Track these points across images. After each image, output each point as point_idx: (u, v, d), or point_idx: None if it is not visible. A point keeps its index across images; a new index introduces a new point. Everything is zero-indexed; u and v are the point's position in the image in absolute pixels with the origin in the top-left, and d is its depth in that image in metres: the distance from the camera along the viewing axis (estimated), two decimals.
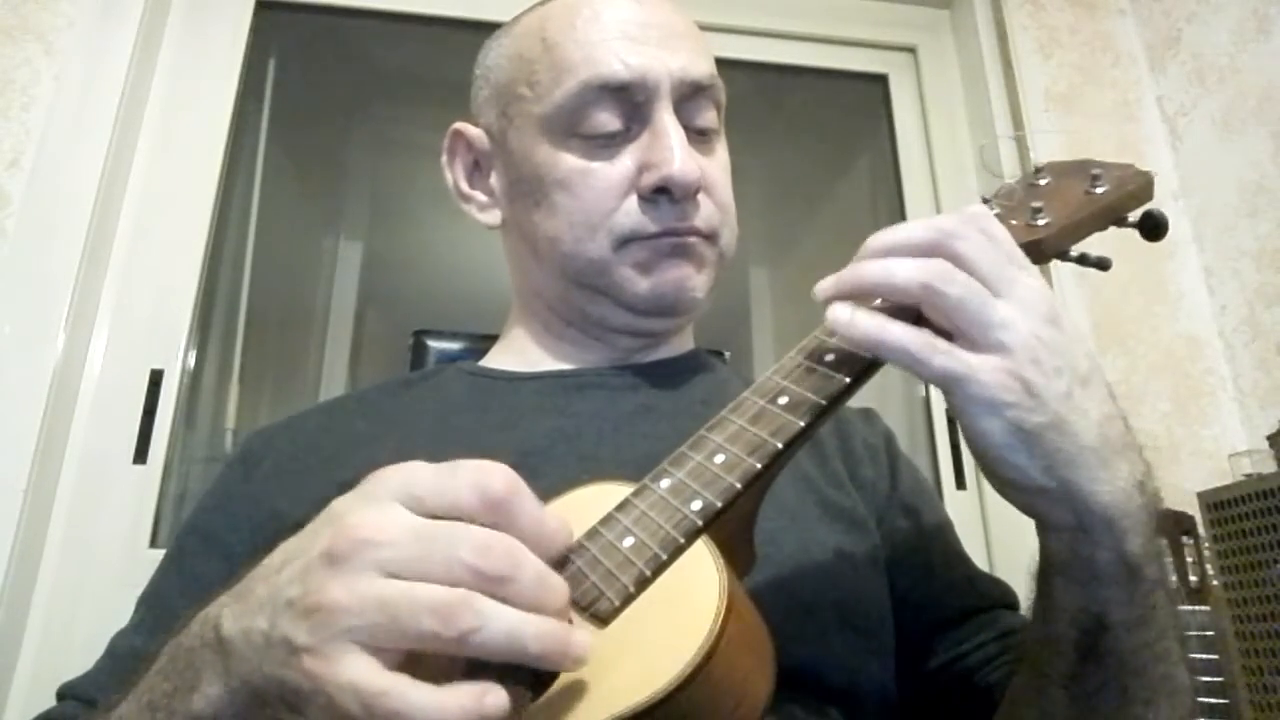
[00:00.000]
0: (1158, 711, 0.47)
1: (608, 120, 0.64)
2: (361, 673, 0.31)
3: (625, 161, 0.65)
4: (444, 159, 0.74)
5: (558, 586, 0.34)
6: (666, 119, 0.64)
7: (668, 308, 0.67)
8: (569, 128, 0.65)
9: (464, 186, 0.74)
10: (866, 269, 0.45)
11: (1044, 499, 0.43)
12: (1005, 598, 0.66)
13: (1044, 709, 0.49)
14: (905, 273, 0.43)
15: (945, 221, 0.45)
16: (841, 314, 0.43)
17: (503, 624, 0.32)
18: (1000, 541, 1.37)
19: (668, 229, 0.64)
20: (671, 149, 0.63)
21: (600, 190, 0.64)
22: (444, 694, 0.31)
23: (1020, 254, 0.45)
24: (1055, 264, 0.83)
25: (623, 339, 0.70)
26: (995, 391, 0.40)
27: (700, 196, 0.66)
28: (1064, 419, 0.41)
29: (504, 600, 0.33)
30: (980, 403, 0.41)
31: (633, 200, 0.64)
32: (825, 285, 0.46)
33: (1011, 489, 0.44)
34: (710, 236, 0.67)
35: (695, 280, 0.66)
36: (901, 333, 0.42)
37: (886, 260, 0.44)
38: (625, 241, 0.64)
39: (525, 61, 0.68)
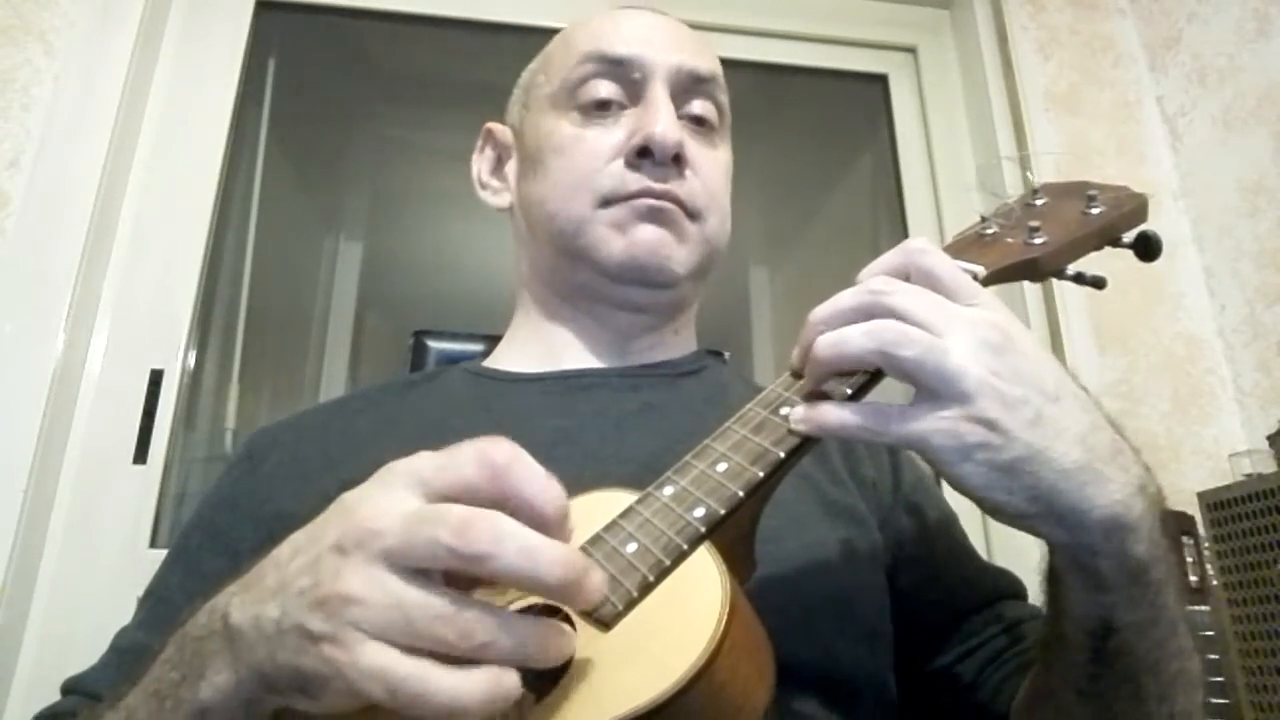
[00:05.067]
0: (1173, 705, 0.47)
1: (604, 88, 0.69)
2: (386, 659, 0.32)
3: (618, 132, 0.68)
4: (474, 155, 0.81)
5: (547, 558, 0.33)
6: (659, 92, 0.68)
7: (640, 271, 0.67)
8: (570, 99, 0.70)
9: (484, 177, 0.80)
10: (819, 348, 0.44)
11: (1036, 522, 0.43)
12: (1013, 588, 0.67)
13: (1060, 707, 0.50)
14: (858, 343, 0.43)
15: (873, 282, 0.45)
16: (793, 414, 0.44)
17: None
18: (1000, 540, 1.37)
19: (644, 189, 0.66)
20: (656, 115, 0.67)
21: (589, 154, 0.68)
22: (463, 676, 0.32)
23: (964, 281, 0.45)
24: None
25: (614, 317, 0.71)
26: (959, 439, 0.40)
27: (687, 173, 0.68)
28: (1037, 448, 0.41)
29: (490, 575, 0.33)
30: (949, 452, 0.41)
31: (618, 164, 0.67)
32: (793, 363, 0.47)
33: (1002, 517, 0.44)
34: (692, 214, 0.68)
35: (672, 249, 0.67)
36: (849, 416, 0.42)
37: (837, 333, 0.44)
38: (606, 202, 0.67)
39: (546, 57, 0.76)
